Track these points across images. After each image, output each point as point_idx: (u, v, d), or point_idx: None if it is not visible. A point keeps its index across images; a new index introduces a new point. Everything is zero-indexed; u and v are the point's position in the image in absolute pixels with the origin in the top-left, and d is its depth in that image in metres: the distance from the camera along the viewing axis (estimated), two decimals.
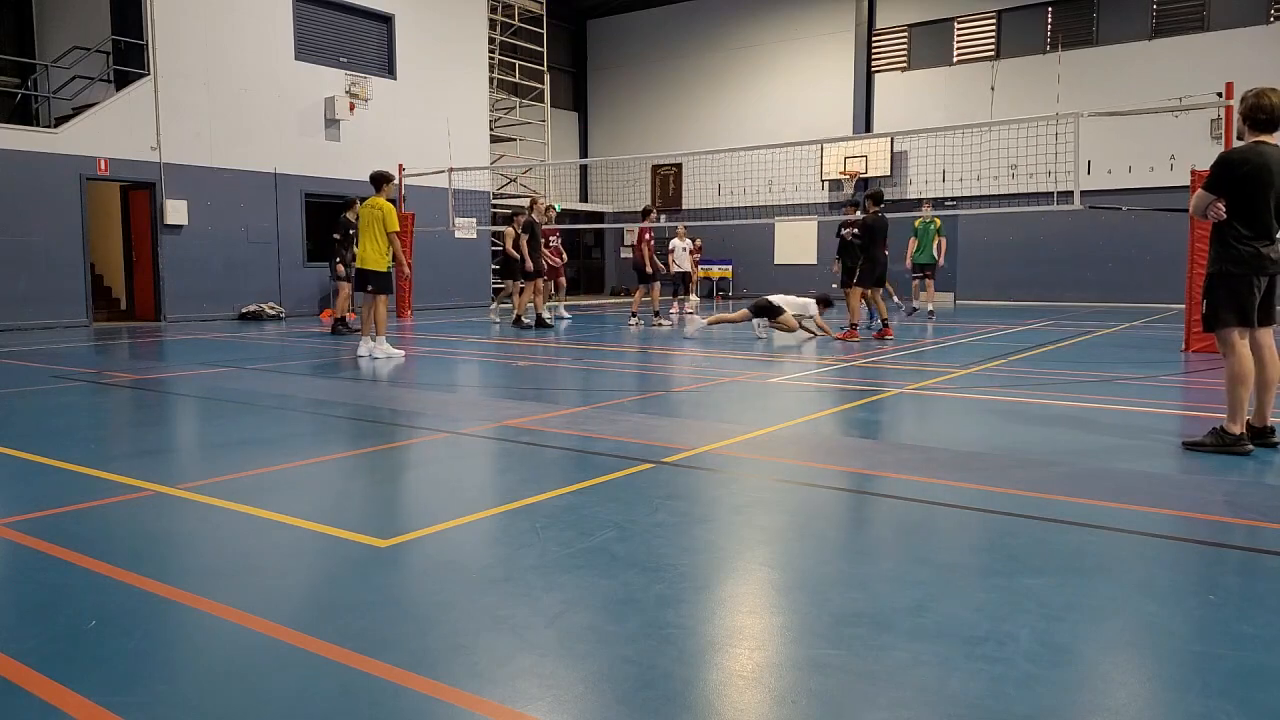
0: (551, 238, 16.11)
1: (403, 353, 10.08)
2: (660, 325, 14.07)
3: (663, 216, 20.16)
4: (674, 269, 16.33)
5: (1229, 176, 4.79)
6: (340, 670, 2.35)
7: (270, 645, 2.52)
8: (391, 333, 13.62)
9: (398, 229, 9.98)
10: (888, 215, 12.20)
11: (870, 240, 11.74)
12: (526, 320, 13.99)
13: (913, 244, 15.61)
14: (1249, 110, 4.87)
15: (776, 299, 11.79)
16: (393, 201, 10.23)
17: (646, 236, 14.41)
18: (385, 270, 10.00)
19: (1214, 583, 3.01)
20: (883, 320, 11.95)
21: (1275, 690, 2.22)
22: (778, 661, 2.42)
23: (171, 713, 2.14)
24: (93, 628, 2.61)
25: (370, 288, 10.00)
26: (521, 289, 14.30)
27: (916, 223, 15.65)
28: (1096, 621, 2.67)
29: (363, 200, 10.42)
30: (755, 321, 11.81)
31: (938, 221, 15.45)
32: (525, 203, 16.71)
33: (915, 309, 16.08)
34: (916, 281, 15.97)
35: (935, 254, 15.45)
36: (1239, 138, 5.03)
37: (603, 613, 2.72)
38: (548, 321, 14.03)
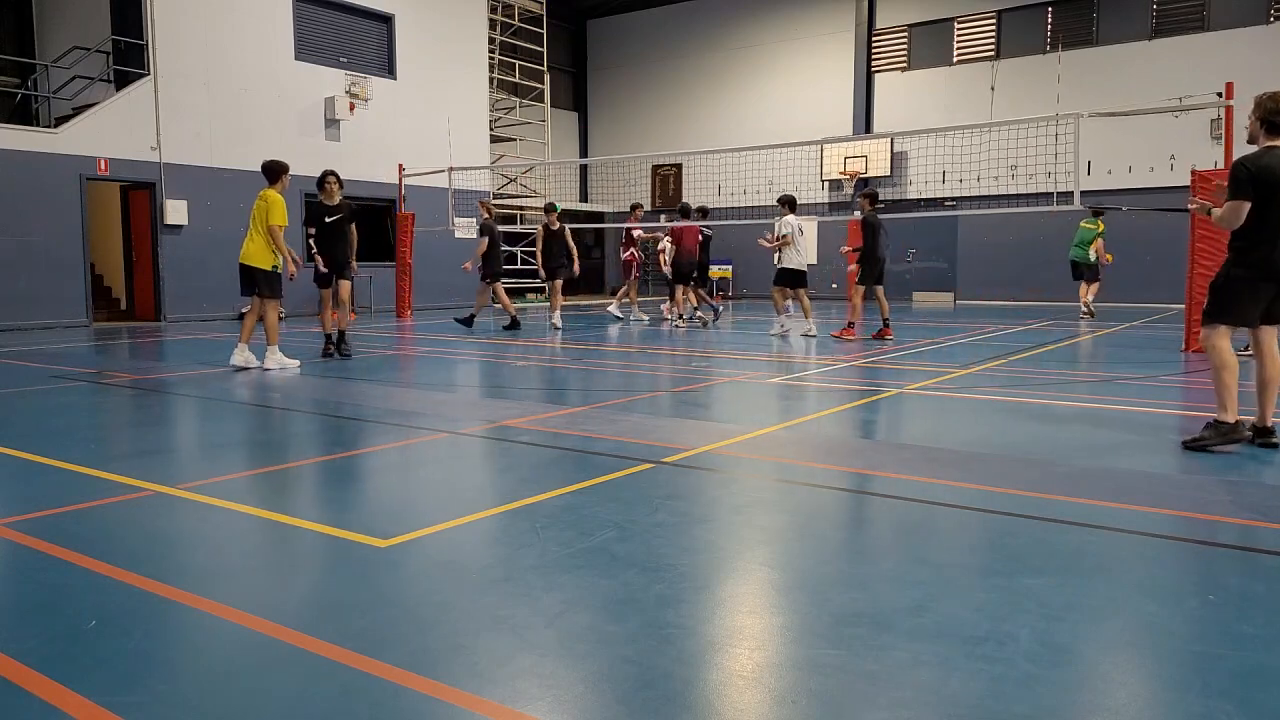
0: (644, 235, 16.14)
1: (298, 363, 8.99)
2: (688, 324, 13.96)
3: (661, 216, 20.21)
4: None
5: (1248, 179, 4.78)
6: (340, 670, 2.35)
7: (270, 645, 2.52)
8: (391, 332, 13.64)
9: (282, 222, 8.91)
10: (888, 215, 12.24)
11: (870, 238, 11.75)
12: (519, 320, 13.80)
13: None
14: (1267, 114, 4.85)
15: (787, 260, 12.08)
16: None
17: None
18: (271, 269, 8.88)
19: (1214, 583, 3.00)
20: (884, 320, 11.95)
21: (1275, 690, 2.22)
22: (778, 661, 2.42)
23: (171, 713, 2.14)
24: (93, 628, 2.61)
25: (257, 290, 8.88)
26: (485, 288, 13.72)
27: (1087, 224, 15.84)
28: (1096, 621, 2.67)
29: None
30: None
31: (1098, 224, 15.73)
32: (541, 204, 16.65)
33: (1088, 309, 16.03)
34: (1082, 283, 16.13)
35: (1091, 254, 15.73)
36: (1251, 141, 5.01)
37: (603, 613, 2.72)
38: (520, 322, 13.82)
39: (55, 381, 8.08)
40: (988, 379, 8.03)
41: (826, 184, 23.57)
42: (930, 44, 22.70)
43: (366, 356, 10.10)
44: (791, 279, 12.20)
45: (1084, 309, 15.90)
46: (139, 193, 16.00)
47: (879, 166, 22.73)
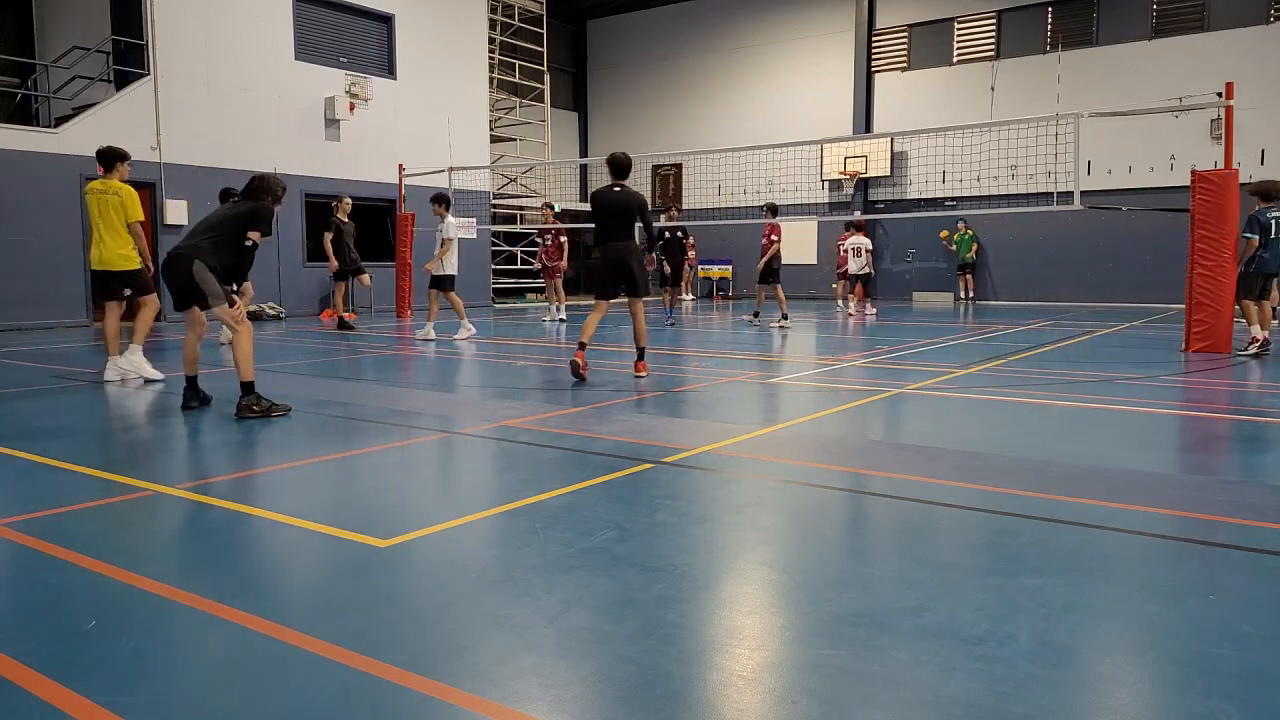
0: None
1: (161, 375, 8.00)
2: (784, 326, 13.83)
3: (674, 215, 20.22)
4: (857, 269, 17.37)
5: None
6: (340, 670, 2.35)
7: (270, 645, 2.52)
8: (389, 332, 13.63)
9: (141, 217, 8.10)
10: (888, 215, 12.22)
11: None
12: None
13: (952, 249, 21.57)
14: None
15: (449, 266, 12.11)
16: (131, 185, 8.20)
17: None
18: (138, 267, 8.12)
19: (1214, 583, 3.00)
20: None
21: (1275, 690, 2.22)
22: (778, 661, 2.42)
23: (171, 713, 2.14)
24: (93, 628, 2.61)
25: (127, 291, 8.10)
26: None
27: (958, 235, 21.37)
28: (1096, 621, 2.67)
29: (91, 182, 8.45)
30: None
31: (970, 230, 21.36)
32: (540, 203, 16.73)
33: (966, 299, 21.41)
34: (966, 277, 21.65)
35: (973, 256, 21.50)
36: None
37: (603, 613, 2.72)
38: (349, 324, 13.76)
39: (55, 381, 8.09)
40: (988, 379, 8.03)
41: (826, 184, 23.57)
42: (930, 44, 22.71)
43: (366, 356, 10.09)
44: (450, 283, 12.20)
45: (971, 296, 21.24)
46: (139, 193, 15.95)
47: (879, 166, 22.72)
